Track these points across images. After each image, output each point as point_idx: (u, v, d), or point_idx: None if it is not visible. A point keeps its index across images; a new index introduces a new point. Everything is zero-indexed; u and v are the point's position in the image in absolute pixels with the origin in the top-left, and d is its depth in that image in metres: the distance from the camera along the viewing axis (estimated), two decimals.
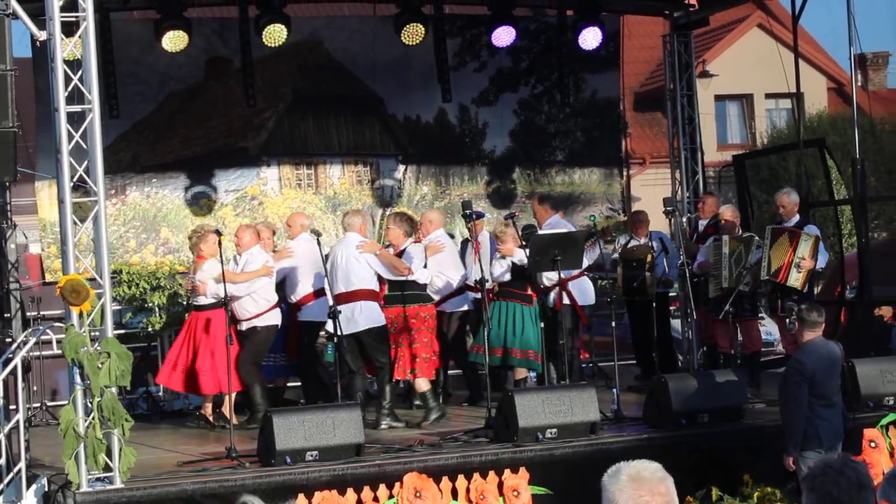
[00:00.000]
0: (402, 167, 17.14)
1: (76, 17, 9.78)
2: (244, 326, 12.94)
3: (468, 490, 10.15)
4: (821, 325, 9.98)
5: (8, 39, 10.08)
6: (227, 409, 12.71)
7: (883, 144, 28.50)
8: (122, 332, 15.10)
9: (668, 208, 13.76)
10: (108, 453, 9.46)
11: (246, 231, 13.15)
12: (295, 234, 13.64)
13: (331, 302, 12.07)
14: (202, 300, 12.81)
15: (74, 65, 9.74)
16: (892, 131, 29.89)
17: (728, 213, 14.31)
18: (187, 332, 12.98)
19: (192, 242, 13.14)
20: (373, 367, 12.64)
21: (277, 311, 13.08)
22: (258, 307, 12.90)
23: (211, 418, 12.91)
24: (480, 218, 14.01)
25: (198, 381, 12.81)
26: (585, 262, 14.01)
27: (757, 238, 13.86)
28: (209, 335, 12.76)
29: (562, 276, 12.75)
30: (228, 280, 12.03)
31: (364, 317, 12.35)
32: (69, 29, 9.83)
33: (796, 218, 13.98)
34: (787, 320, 11.14)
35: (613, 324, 12.41)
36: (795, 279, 13.37)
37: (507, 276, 13.09)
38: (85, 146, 9.72)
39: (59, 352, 10.78)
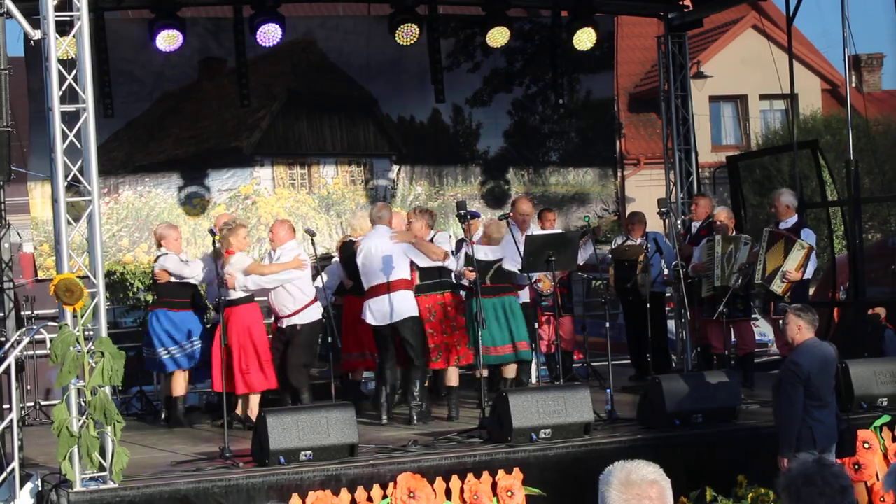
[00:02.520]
0: (395, 167, 17.13)
1: (70, 16, 9.76)
2: (284, 324, 12.84)
3: (462, 490, 10.15)
4: (814, 327, 9.99)
5: (2, 39, 10.07)
6: (241, 410, 12.74)
7: (877, 146, 28.50)
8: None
9: (663, 209, 13.77)
10: (102, 453, 9.45)
11: (281, 226, 13.07)
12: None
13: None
14: (233, 294, 12.60)
15: (68, 64, 9.73)
16: (885, 133, 29.91)
17: (723, 214, 14.33)
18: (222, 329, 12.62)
19: (221, 235, 12.72)
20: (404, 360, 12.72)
21: (317, 305, 12.85)
22: (296, 303, 12.76)
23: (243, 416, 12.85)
24: (475, 218, 14.00)
25: (245, 380, 12.65)
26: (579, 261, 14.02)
27: (746, 237, 13.90)
28: (246, 331, 12.68)
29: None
30: (256, 272, 12.44)
31: (402, 307, 12.42)
32: (63, 28, 9.81)
33: (794, 219, 13.99)
34: (780, 322, 11.17)
35: (608, 324, 12.42)
36: (778, 286, 13.41)
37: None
38: (79, 145, 9.71)
39: None
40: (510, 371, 13.23)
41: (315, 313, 12.83)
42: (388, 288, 12.40)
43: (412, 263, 12.61)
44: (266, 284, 12.68)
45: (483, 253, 12.77)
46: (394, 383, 12.84)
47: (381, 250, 12.46)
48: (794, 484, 4.60)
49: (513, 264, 12.86)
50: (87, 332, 9.57)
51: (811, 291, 15.71)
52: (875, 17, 18.52)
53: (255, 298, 12.91)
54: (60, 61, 9.65)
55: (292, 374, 12.71)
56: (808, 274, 13.67)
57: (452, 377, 12.78)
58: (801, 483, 4.59)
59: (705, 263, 14.01)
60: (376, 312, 12.46)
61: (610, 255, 14.85)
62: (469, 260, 12.32)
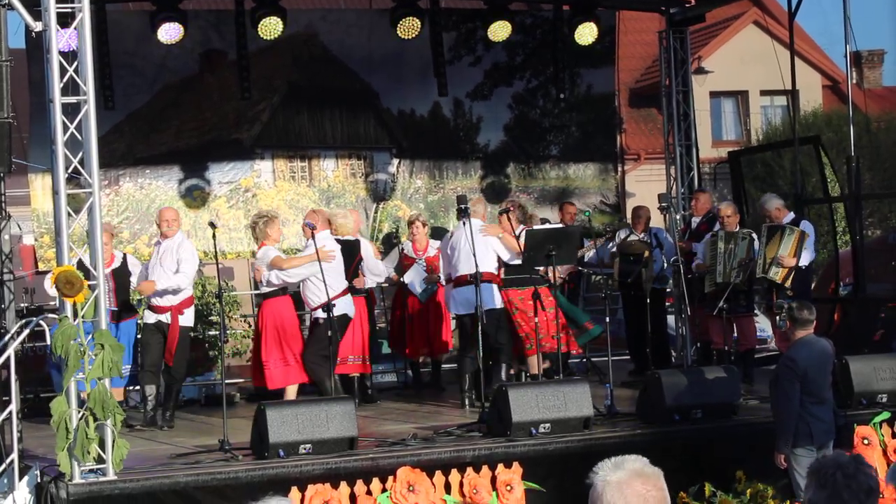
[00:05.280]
0: (396, 161, 17.12)
1: (72, 8, 9.75)
2: (316, 315, 12.64)
3: (461, 484, 10.15)
4: (812, 323, 9.99)
5: (3, 31, 10.07)
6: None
7: (878, 142, 28.52)
8: None
9: (663, 204, 13.77)
10: (102, 445, 9.44)
11: (314, 217, 12.95)
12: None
13: None
14: (263, 288, 12.63)
15: (70, 56, 9.72)
16: (887, 129, 29.92)
17: (729, 209, 14.29)
18: (258, 323, 12.83)
19: (258, 227, 12.65)
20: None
21: (347, 298, 12.79)
22: (321, 296, 12.30)
23: None
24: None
25: (264, 375, 12.54)
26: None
27: (744, 231, 13.91)
28: (275, 325, 12.50)
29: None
30: (278, 266, 12.32)
31: (486, 298, 12.52)
32: (64, 20, 9.80)
33: (789, 216, 14.02)
34: (778, 318, 11.17)
35: (607, 319, 12.42)
36: (775, 273, 13.44)
37: None
38: (80, 137, 9.70)
39: None
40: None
41: (343, 307, 12.69)
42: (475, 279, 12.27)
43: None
44: (288, 279, 12.50)
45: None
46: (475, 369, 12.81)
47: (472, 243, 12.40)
48: (826, 470, 4.61)
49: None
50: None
51: (811, 286, 15.71)
52: (876, 13, 18.56)
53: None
54: (62, 53, 9.65)
55: (308, 365, 12.54)
56: (805, 261, 13.68)
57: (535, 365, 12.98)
58: (832, 471, 4.59)
59: (708, 264, 14.02)
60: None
61: (615, 249, 14.86)
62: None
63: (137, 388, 13.51)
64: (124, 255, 13.27)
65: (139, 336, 13.19)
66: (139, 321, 13.23)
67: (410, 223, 14.66)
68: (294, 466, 9.93)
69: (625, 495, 4.21)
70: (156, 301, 12.70)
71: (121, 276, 12.92)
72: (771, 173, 28.42)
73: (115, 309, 12.50)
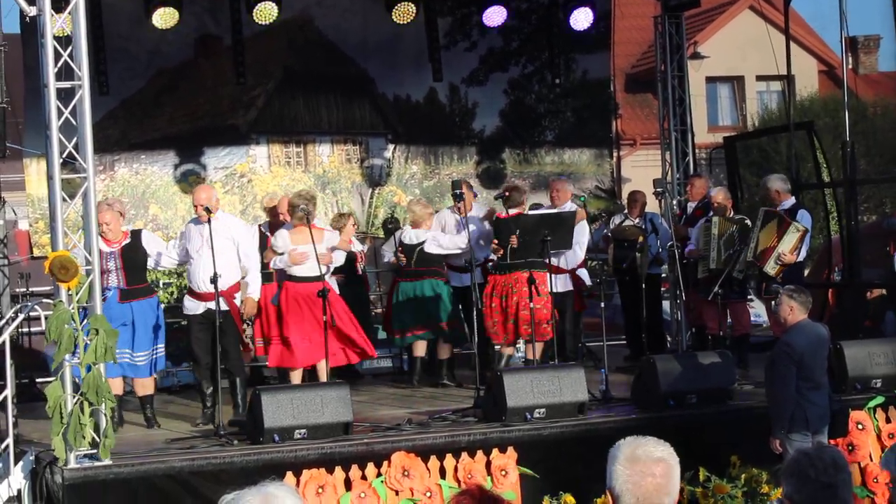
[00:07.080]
0: (391, 146, 17.10)
1: None
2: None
3: (456, 469, 10.17)
4: (808, 307, 10.00)
5: None
6: None
7: (874, 128, 28.53)
8: None
9: (659, 189, 13.77)
10: (97, 429, 9.45)
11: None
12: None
13: None
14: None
15: (64, 41, 9.70)
16: (883, 114, 29.93)
17: (720, 195, 14.28)
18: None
19: (307, 210, 12.04)
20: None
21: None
22: None
23: None
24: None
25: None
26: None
27: (748, 221, 13.88)
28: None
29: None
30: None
31: None
32: (59, 5, 9.79)
33: (790, 201, 13.97)
34: (772, 303, 11.18)
35: (602, 304, 12.42)
36: (772, 268, 13.42)
37: None
38: (74, 122, 9.69)
39: None
40: (419, 349, 13.79)
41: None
42: None
43: None
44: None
45: (409, 237, 13.44)
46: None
47: None
48: (791, 461, 4.69)
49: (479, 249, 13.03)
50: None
51: (805, 272, 15.72)
52: None
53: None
54: (56, 38, 9.63)
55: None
56: (802, 256, 13.68)
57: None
58: (796, 458, 4.68)
59: (702, 250, 14.01)
60: None
61: (610, 234, 14.86)
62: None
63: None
64: (138, 231, 12.25)
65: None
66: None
67: None
68: (289, 451, 9.95)
69: (617, 475, 4.27)
70: (202, 288, 11.48)
71: (132, 255, 11.78)
72: (767, 158, 28.42)
73: (125, 288, 11.65)
